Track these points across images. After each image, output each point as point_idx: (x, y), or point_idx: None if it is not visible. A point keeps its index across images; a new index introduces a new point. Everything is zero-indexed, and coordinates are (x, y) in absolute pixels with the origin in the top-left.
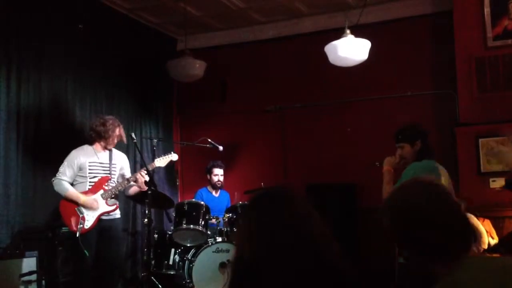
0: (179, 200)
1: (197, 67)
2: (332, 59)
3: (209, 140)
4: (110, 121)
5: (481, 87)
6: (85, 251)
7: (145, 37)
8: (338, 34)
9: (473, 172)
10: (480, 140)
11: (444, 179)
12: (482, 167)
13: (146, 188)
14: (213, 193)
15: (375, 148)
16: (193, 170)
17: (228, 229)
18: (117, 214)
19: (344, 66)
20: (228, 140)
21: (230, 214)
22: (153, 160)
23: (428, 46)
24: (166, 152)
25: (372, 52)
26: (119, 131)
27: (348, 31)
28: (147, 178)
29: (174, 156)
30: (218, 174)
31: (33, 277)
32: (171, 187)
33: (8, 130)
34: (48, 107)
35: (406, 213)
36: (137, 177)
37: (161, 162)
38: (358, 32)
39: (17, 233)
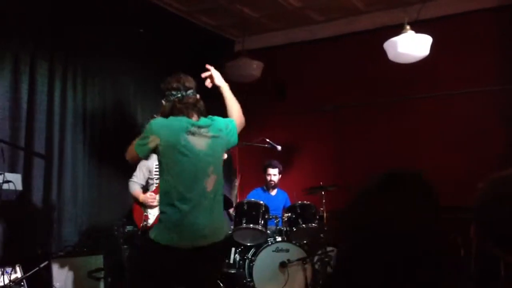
0: (238, 200)
1: (254, 68)
2: (391, 55)
3: (268, 140)
4: None
5: None
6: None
7: (203, 39)
8: (397, 30)
9: None
10: None
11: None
12: None
13: None
14: (270, 192)
15: (436, 147)
16: (251, 170)
17: (288, 228)
18: None
19: (405, 63)
20: (285, 139)
21: (290, 214)
22: None
23: (492, 40)
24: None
25: (433, 47)
26: None
27: (408, 27)
28: None
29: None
30: (271, 174)
31: (100, 274)
32: (229, 187)
33: (75, 132)
34: (112, 110)
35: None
36: None
37: None
38: (419, 27)
39: (84, 232)
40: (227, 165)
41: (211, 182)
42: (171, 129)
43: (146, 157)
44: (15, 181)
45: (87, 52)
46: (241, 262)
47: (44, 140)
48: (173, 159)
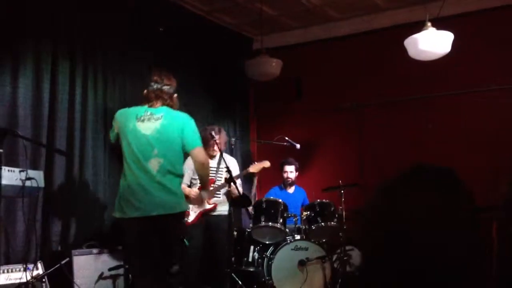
0: (257, 198)
1: (273, 66)
2: (412, 53)
3: (286, 138)
4: (207, 131)
5: None
6: (185, 240)
7: (222, 38)
8: (417, 27)
9: None
10: None
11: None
12: None
13: (236, 193)
14: (287, 189)
15: (458, 146)
16: (270, 169)
17: (307, 227)
18: (222, 211)
19: (425, 60)
20: (304, 138)
21: (308, 212)
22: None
23: None
24: (243, 150)
25: (455, 45)
26: (219, 138)
27: (429, 24)
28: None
29: (266, 163)
30: (287, 171)
31: (121, 271)
32: (248, 185)
33: (96, 130)
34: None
35: None
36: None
37: (254, 168)
38: (440, 24)
39: (106, 229)
40: (247, 163)
41: (155, 163)
42: (126, 117)
43: (115, 141)
44: (37, 178)
45: (107, 51)
46: (259, 260)
47: (66, 138)
48: (124, 142)
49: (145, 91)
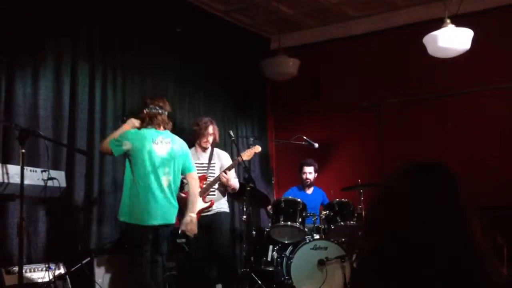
0: (275, 198)
1: (291, 65)
2: (431, 50)
3: (305, 137)
4: (203, 120)
5: None
6: (183, 245)
7: (239, 38)
8: (436, 25)
9: None
10: None
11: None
12: None
13: (232, 186)
14: (306, 190)
15: (478, 145)
16: (288, 168)
17: (326, 226)
18: (221, 208)
19: (445, 57)
20: (322, 137)
21: (327, 211)
22: (238, 155)
23: None
24: (261, 150)
25: (474, 42)
26: (213, 129)
27: (448, 21)
28: (229, 177)
29: (257, 148)
30: (306, 172)
31: None
32: (266, 185)
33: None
34: None
35: None
36: (220, 177)
37: (246, 155)
38: (459, 21)
39: (124, 229)
40: (265, 163)
41: (166, 180)
42: (141, 139)
43: (117, 155)
44: (59, 178)
45: (126, 52)
46: (278, 260)
47: (86, 139)
48: (139, 160)
49: (146, 111)
